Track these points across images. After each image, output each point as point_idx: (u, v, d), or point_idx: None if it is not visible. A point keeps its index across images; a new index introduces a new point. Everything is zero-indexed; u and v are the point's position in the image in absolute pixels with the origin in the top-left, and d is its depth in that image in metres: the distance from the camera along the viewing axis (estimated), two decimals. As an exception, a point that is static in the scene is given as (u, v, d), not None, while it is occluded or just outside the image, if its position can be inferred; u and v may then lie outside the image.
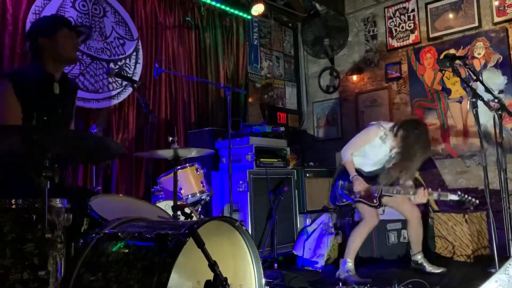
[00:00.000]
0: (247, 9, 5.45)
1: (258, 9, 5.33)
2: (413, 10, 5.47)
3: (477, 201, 3.25)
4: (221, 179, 4.27)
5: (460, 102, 5.04)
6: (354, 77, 5.97)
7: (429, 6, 5.32)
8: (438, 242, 4.25)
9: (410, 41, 5.46)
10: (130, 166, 4.29)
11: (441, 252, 4.21)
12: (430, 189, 3.40)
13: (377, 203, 3.52)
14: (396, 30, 5.60)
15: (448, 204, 4.91)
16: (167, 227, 1.65)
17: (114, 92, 4.31)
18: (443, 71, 5.14)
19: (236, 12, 5.50)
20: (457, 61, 3.11)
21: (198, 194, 3.57)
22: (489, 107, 2.90)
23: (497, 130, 2.96)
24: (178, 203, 2.62)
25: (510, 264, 1.98)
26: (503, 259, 2.22)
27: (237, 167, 4.21)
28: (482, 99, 2.90)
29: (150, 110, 2.87)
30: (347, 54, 6.07)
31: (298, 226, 4.46)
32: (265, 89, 6.06)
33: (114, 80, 4.29)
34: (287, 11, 6.06)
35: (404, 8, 5.55)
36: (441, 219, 4.27)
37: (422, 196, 3.38)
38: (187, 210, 2.66)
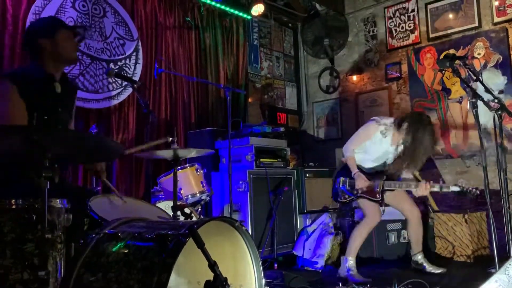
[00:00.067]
0: (247, 9, 5.46)
1: (258, 9, 5.33)
2: (413, 10, 5.47)
3: (478, 191, 3.27)
4: (221, 179, 4.27)
5: (460, 102, 5.04)
6: (354, 77, 5.97)
7: (429, 6, 5.32)
8: (438, 242, 4.25)
9: (410, 41, 5.47)
10: (130, 166, 4.29)
11: (441, 252, 4.21)
12: (432, 182, 3.40)
13: (380, 198, 3.53)
14: (396, 30, 5.60)
15: (448, 204, 4.92)
16: (167, 227, 1.65)
17: (114, 92, 4.31)
18: (443, 71, 5.14)
19: (236, 12, 5.50)
20: (457, 61, 3.11)
21: (198, 195, 3.57)
22: (489, 107, 2.90)
23: (497, 131, 2.96)
24: (178, 203, 2.62)
25: (510, 264, 1.98)
26: (503, 259, 2.22)
27: (237, 167, 4.21)
28: (482, 99, 2.90)
29: (150, 110, 2.87)
30: (347, 54, 6.07)
31: (298, 226, 4.46)
32: (265, 89, 6.06)
33: (114, 80, 4.29)
34: (287, 11, 6.06)
35: (404, 8, 5.55)
36: (441, 219, 4.26)
37: (424, 188, 3.37)
38: (187, 210, 2.66)
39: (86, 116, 4.06)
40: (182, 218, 2.62)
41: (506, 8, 4.76)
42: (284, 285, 3.32)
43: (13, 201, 1.70)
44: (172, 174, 2.81)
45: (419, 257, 3.64)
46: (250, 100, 5.72)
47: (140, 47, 4.57)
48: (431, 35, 5.29)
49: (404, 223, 4.15)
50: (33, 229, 1.69)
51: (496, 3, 4.81)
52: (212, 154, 4.01)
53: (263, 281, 1.91)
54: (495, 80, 4.73)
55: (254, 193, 4.10)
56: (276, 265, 4.01)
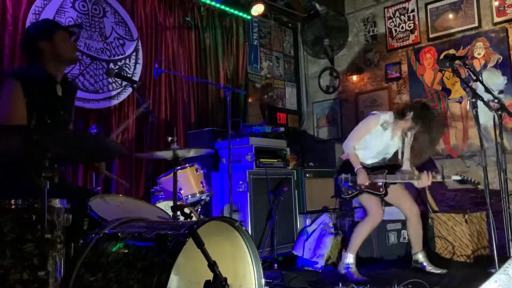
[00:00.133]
0: (247, 9, 5.46)
1: (258, 9, 5.33)
2: (413, 11, 5.47)
3: (478, 181, 3.35)
4: (221, 179, 4.27)
5: (460, 102, 5.04)
6: (354, 77, 5.97)
7: (429, 6, 5.32)
8: (438, 243, 4.25)
9: (410, 41, 5.47)
10: (130, 166, 4.29)
11: (441, 252, 4.21)
12: (433, 172, 3.43)
13: (384, 192, 3.54)
14: (396, 30, 5.60)
15: (448, 204, 4.92)
16: (166, 227, 1.65)
17: (114, 93, 4.31)
18: (443, 71, 5.14)
19: (236, 12, 5.50)
20: (457, 61, 3.11)
21: (197, 195, 3.57)
22: (489, 107, 2.90)
23: (497, 131, 2.95)
24: (178, 204, 2.62)
25: (510, 264, 1.98)
26: (503, 259, 2.22)
27: (237, 167, 4.21)
28: (482, 99, 2.90)
29: (150, 110, 2.87)
30: (347, 54, 6.07)
31: (298, 227, 4.46)
32: (265, 89, 6.06)
33: (114, 80, 4.29)
34: (287, 11, 6.06)
35: (404, 8, 5.55)
36: (441, 219, 4.26)
37: (426, 179, 3.40)
38: (186, 210, 2.66)
39: (86, 116, 4.06)
40: (182, 218, 2.62)
41: (506, 8, 4.76)
42: (284, 285, 3.33)
43: (12, 201, 1.70)
44: (172, 174, 2.82)
45: (420, 256, 3.64)
46: (250, 100, 5.72)
47: (140, 47, 4.57)
48: (431, 35, 5.29)
49: (404, 223, 4.15)
50: (33, 229, 1.69)
51: (496, 3, 4.81)
52: (212, 154, 4.01)
53: (263, 281, 1.91)
54: (495, 80, 4.73)
55: (254, 193, 4.10)
56: (276, 265, 4.01)
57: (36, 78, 2.27)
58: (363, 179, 3.49)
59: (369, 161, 3.67)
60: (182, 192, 3.48)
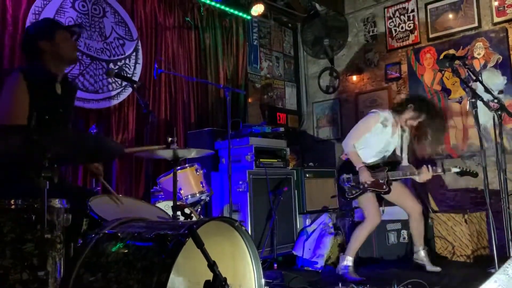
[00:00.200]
0: (246, 9, 5.46)
1: (257, 9, 5.33)
2: (412, 11, 5.47)
3: (477, 171, 3.46)
4: (221, 179, 4.27)
5: (460, 103, 5.05)
6: (354, 78, 5.97)
7: (429, 7, 5.32)
8: (438, 243, 4.25)
9: (410, 41, 5.47)
10: (130, 166, 4.29)
11: (441, 252, 4.22)
12: (433, 166, 3.51)
13: (387, 189, 3.56)
14: (396, 30, 5.61)
15: (448, 204, 4.93)
16: (166, 227, 1.65)
17: (113, 93, 4.31)
18: (443, 72, 5.14)
19: (236, 12, 5.50)
20: (457, 62, 3.12)
21: (197, 195, 3.57)
22: (489, 107, 2.90)
23: (497, 131, 2.96)
24: (177, 204, 2.62)
25: (509, 264, 1.98)
26: (502, 259, 2.22)
27: (237, 167, 4.21)
28: (482, 100, 2.90)
29: (150, 110, 2.87)
30: (347, 54, 6.07)
31: (298, 227, 4.46)
32: (265, 89, 6.06)
33: (113, 80, 4.29)
34: (287, 11, 6.06)
35: (404, 8, 5.55)
36: (440, 219, 4.27)
37: (426, 173, 3.47)
38: (186, 210, 2.66)
39: (86, 116, 4.06)
40: (181, 218, 2.62)
41: (506, 8, 4.76)
42: (284, 285, 3.33)
43: (12, 201, 1.70)
44: (171, 174, 2.81)
45: (422, 253, 3.68)
46: (250, 100, 5.72)
47: (140, 47, 4.57)
48: (431, 35, 5.29)
49: (404, 223, 4.16)
50: (33, 229, 1.69)
51: (496, 3, 4.81)
52: (212, 154, 4.01)
53: (263, 281, 1.91)
54: (494, 80, 4.73)
55: (253, 193, 4.10)
56: (275, 265, 4.01)
57: (37, 76, 2.27)
58: (366, 176, 3.49)
59: (369, 160, 3.67)
60: (182, 192, 3.48)
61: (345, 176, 3.62)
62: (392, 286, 2.91)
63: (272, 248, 4.11)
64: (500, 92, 4.68)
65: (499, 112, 2.91)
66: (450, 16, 5.14)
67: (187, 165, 3.64)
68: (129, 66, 4.48)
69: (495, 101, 2.99)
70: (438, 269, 3.61)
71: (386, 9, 5.72)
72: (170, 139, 2.64)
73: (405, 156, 3.72)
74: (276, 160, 4.47)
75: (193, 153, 2.76)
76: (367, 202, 3.59)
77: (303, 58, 6.58)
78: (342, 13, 5.96)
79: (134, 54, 4.52)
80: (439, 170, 3.49)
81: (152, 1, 4.72)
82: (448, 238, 4.18)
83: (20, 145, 1.62)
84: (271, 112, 6.04)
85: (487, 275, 2.03)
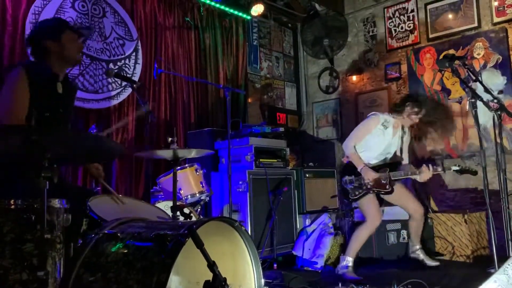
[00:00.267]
0: (246, 9, 5.46)
1: (257, 9, 5.33)
2: (412, 11, 5.47)
3: (476, 169, 3.52)
4: (221, 179, 4.27)
5: (460, 103, 5.04)
6: (354, 78, 5.97)
7: (429, 7, 5.32)
8: (438, 243, 4.25)
9: (410, 41, 5.47)
10: (130, 166, 4.29)
11: (440, 252, 4.21)
12: (434, 166, 3.54)
13: (390, 189, 3.57)
14: (395, 30, 5.61)
15: (448, 205, 4.93)
16: (166, 227, 1.65)
17: (113, 93, 4.31)
18: (443, 72, 5.14)
19: (236, 12, 5.50)
20: (457, 62, 3.12)
21: (197, 195, 3.57)
22: (489, 107, 2.90)
23: (497, 131, 2.96)
24: (177, 204, 2.62)
25: (509, 264, 1.98)
26: (502, 259, 2.22)
27: (237, 167, 4.21)
28: (482, 100, 2.90)
29: (150, 110, 2.87)
30: (347, 54, 6.07)
31: (298, 227, 4.46)
32: (265, 89, 6.06)
33: (113, 80, 4.29)
34: (286, 11, 6.06)
35: (404, 8, 5.55)
36: (440, 220, 4.27)
37: (427, 172, 3.50)
38: (186, 210, 2.66)
39: (86, 116, 4.06)
40: (181, 218, 2.62)
41: (505, 8, 4.76)
42: (284, 285, 3.32)
43: (12, 201, 1.71)
44: (171, 174, 2.82)
45: (418, 248, 3.80)
46: (249, 100, 5.72)
47: (140, 47, 4.57)
48: (430, 35, 5.29)
49: (404, 223, 4.16)
50: (32, 229, 1.69)
51: (496, 3, 4.81)
52: (212, 154, 4.01)
53: (262, 281, 1.91)
54: (494, 80, 4.72)
55: (253, 193, 4.10)
56: (275, 265, 4.01)
57: (39, 74, 2.28)
58: (370, 174, 3.51)
59: (372, 162, 3.67)
60: (181, 192, 3.48)
61: (347, 177, 3.63)
62: (392, 286, 2.91)
63: (272, 248, 4.11)
64: (500, 92, 4.68)
65: (499, 112, 2.91)
66: (450, 16, 5.14)
67: (187, 165, 3.64)
68: (129, 66, 4.48)
69: (495, 101, 2.99)
70: (437, 263, 3.71)
71: (385, 9, 5.72)
72: (170, 139, 2.64)
73: (405, 156, 3.74)
74: (276, 160, 4.47)
75: (193, 153, 2.76)
76: (367, 203, 3.59)
77: (303, 58, 6.58)
78: (342, 13, 5.96)
79: (134, 54, 4.52)
80: (439, 169, 3.52)
81: (152, 1, 4.71)
82: (448, 238, 4.18)
83: (20, 145, 1.62)
84: (271, 112, 6.04)
85: (487, 275, 2.03)
